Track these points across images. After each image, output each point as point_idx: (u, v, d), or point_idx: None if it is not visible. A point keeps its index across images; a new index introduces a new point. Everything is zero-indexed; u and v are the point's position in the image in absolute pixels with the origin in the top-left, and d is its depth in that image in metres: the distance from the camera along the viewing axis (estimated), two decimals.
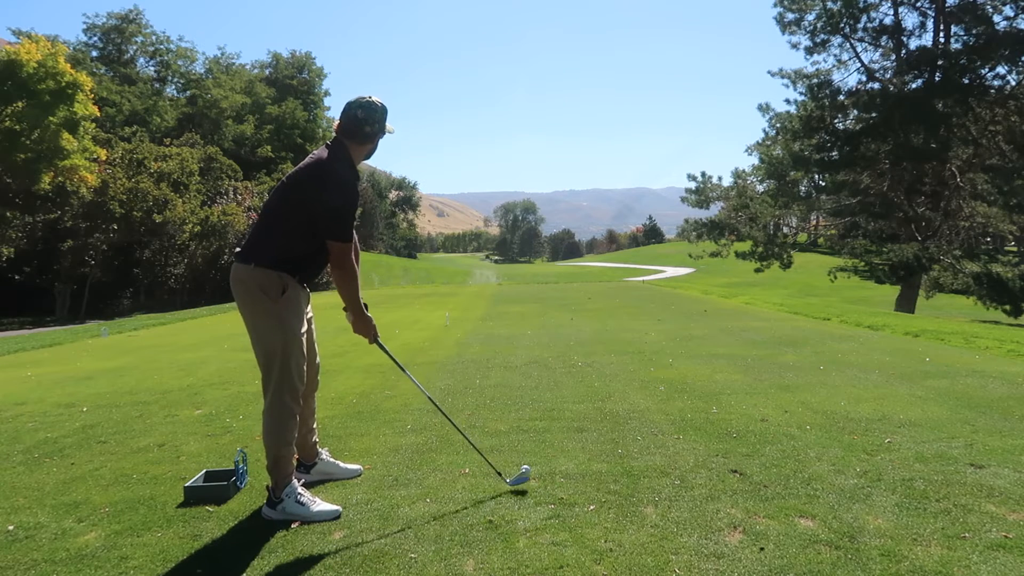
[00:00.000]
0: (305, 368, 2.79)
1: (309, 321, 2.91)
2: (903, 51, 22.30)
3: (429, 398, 3.27)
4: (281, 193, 2.74)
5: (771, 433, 3.61)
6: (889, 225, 23.44)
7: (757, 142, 27.41)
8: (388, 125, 2.86)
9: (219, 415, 4.49)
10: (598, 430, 3.77)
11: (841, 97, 22.73)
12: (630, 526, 2.45)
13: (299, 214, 2.66)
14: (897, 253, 20.70)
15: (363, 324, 2.86)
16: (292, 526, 2.57)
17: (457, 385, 5.24)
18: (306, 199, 2.64)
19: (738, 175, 27.89)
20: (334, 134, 2.82)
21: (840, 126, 23.39)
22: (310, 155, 2.78)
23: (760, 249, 25.35)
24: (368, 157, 2.91)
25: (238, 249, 2.78)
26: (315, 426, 3.08)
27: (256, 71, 57.11)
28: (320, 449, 3.11)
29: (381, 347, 3.00)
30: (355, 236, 2.82)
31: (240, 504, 2.81)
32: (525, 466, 2.97)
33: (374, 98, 2.78)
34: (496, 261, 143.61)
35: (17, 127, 23.51)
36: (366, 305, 2.86)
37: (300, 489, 2.70)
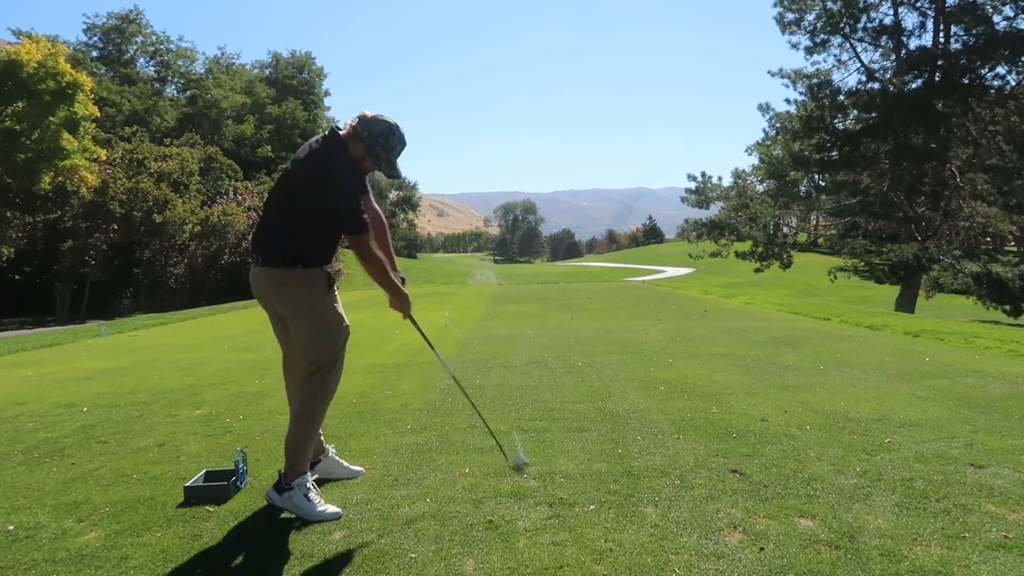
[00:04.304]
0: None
1: None
2: (903, 51, 22.31)
3: (453, 375, 3.38)
4: (297, 194, 2.72)
5: (771, 433, 3.61)
6: (889, 225, 23.45)
7: (757, 142, 27.46)
8: (399, 167, 2.84)
9: (219, 415, 4.49)
10: (598, 430, 3.77)
11: (841, 97, 22.75)
12: (630, 526, 2.45)
13: (316, 213, 2.69)
14: (897, 253, 20.71)
15: (399, 301, 2.89)
16: (293, 526, 2.57)
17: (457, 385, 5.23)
18: (317, 200, 2.66)
19: (738, 175, 27.93)
20: (341, 130, 2.77)
21: (840, 126, 23.40)
22: (312, 152, 2.74)
23: (760, 249, 25.36)
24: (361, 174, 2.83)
25: (269, 251, 2.75)
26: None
27: (256, 71, 57.06)
28: (327, 445, 3.10)
29: (413, 322, 3.02)
30: (377, 209, 2.92)
31: (240, 504, 2.81)
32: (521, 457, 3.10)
33: (401, 128, 2.78)
34: (496, 261, 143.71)
35: (17, 127, 23.48)
36: (403, 279, 2.91)
37: (311, 484, 2.71)
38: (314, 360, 2.78)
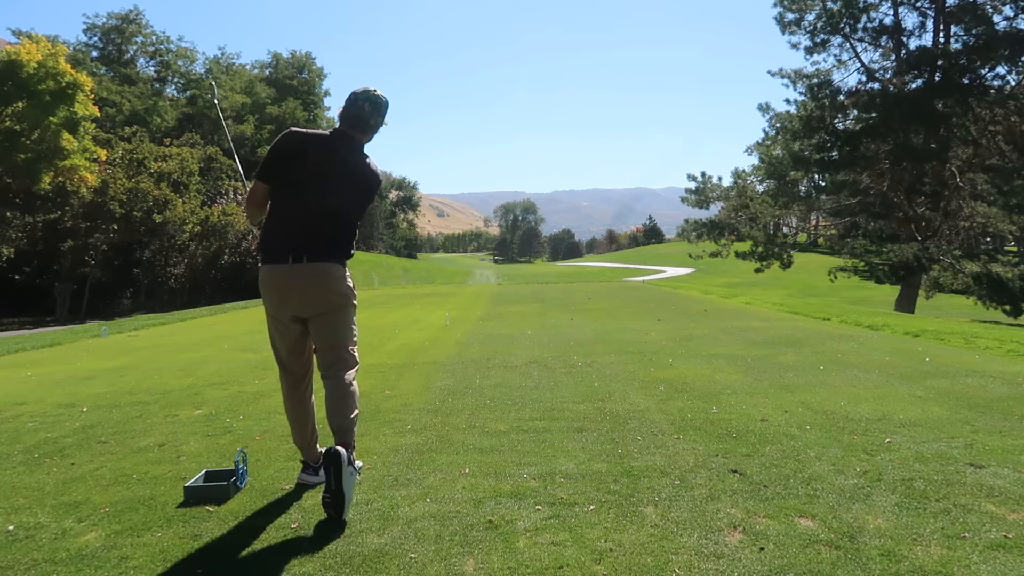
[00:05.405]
0: None
1: None
2: (903, 51, 22.30)
3: None
4: (353, 203, 2.95)
5: (771, 433, 3.61)
6: (889, 225, 23.44)
7: (757, 142, 27.42)
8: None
9: (219, 415, 4.49)
10: (598, 430, 3.77)
11: (841, 97, 22.72)
12: (630, 526, 2.45)
13: (358, 218, 3.05)
14: (897, 253, 20.70)
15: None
16: (293, 525, 2.57)
17: (457, 385, 5.24)
18: (362, 208, 3.04)
19: (738, 175, 27.90)
20: (337, 122, 2.96)
21: (840, 126, 23.38)
22: (372, 170, 2.96)
23: (760, 249, 25.34)
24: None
25: (325, 244, 2.86)
26: (316, 426, 3.10)
27: (256, 71, 57.05)
28: (321, 449, 3.11)
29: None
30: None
31: (240, 504, 2.81)
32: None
33: (379, 92, 2.91)
34: (496, 261, 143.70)
35: (17, 127, 23.47)
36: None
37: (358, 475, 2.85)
38: (353, 352, 2.93)
